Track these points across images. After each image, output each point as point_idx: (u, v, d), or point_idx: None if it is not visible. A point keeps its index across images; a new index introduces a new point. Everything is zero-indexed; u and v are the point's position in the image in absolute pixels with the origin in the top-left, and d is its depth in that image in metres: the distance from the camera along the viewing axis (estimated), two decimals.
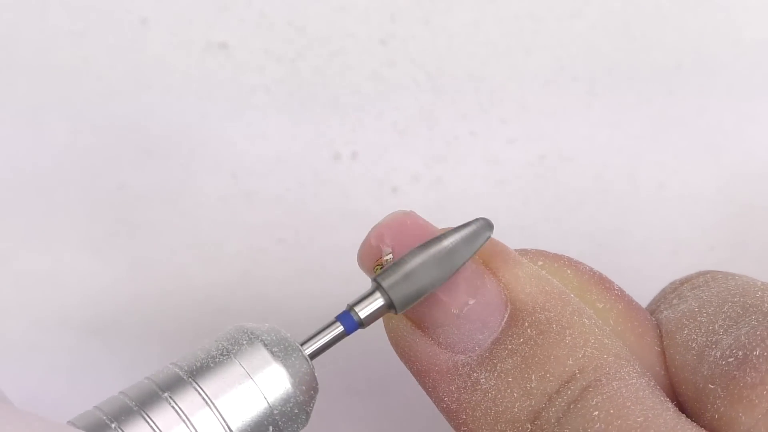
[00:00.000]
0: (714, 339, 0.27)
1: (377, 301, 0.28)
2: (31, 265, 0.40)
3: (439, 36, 0.40)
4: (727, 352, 0.26)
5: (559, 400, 0.26)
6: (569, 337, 0.27)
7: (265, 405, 0.26)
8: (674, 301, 0.30)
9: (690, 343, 0.28)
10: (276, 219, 0.41)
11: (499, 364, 0.27)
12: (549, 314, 0.27)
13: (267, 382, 0.27)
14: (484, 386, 0.27)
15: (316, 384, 0.28)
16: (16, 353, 0.41)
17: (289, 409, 0.27)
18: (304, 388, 0.27)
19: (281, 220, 0.41)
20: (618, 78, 0.41)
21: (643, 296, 0.39)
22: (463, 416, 0.27)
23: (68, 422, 0.26)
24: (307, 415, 0.27)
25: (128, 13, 0.39)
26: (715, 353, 0.27)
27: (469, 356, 0.27)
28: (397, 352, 0.29)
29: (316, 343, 0.28)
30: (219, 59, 0.39)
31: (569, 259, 0.30)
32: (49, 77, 0.39)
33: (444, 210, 0.41)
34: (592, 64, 0.41)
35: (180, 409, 0.26)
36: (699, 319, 0.28)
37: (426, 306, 0.28)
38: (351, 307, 0.28)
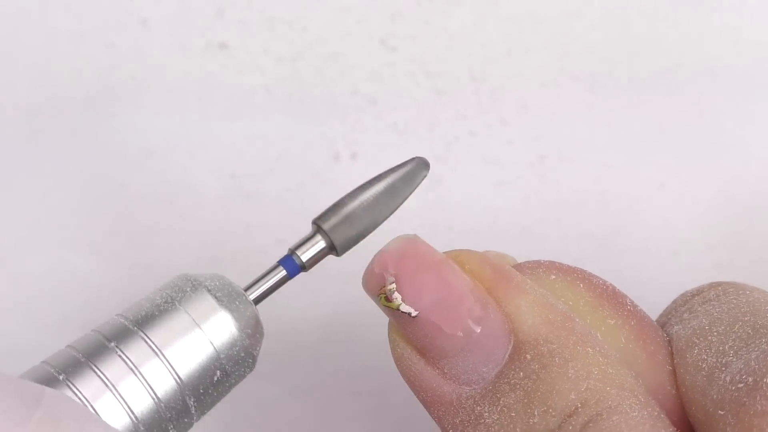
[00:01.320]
0: (724, 361, 0.27)
1: (319, 244, 0.28)
2: (30, 266, 0.40)
3: (439, 36, 0.40)
4: (737, 377, 0.26)
5: None
6: (572, 370, 0.27)
7: (212, 350, 0.27)
8: (685, 316, 0.30)
9: (700, 363, 0.27)
10: (275, 219, 0.41)
11: (502, 399, 0.27)
12: (552, 346, 0.27)
13: (213, 328, 0.27)
14: (487, 420, 0.27)
15: (262, 328, 0.28)
16: (15, 353, 0.41)
17: (235, 353, 0.27)
18: (249, 331, 0.27)
19: (281, 220, 0.41)
20: (618, 78, 0.41)
21: (643, 296, 0.39)
22: None
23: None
24: (254, 358, 0.28)
25: (128, 13, 0.39)
26: (725, 377, 0.26)
27: (474, 388, 0.27)
28: (404, 380, 0.29)
29: (260, 288, 0.28)
30: (219, 60, 0.39)
31: (582, 272, 0.30)
32: (50, 77, 0.39)
33: (444, 210, 0.41)
34: (592, 65, 0.41)
35: (128, 358, 0.26)
36: (709, 338, 0.28)
37: (430, 337, 0.28)
38: (293, 251, 0.28)
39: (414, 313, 0.27)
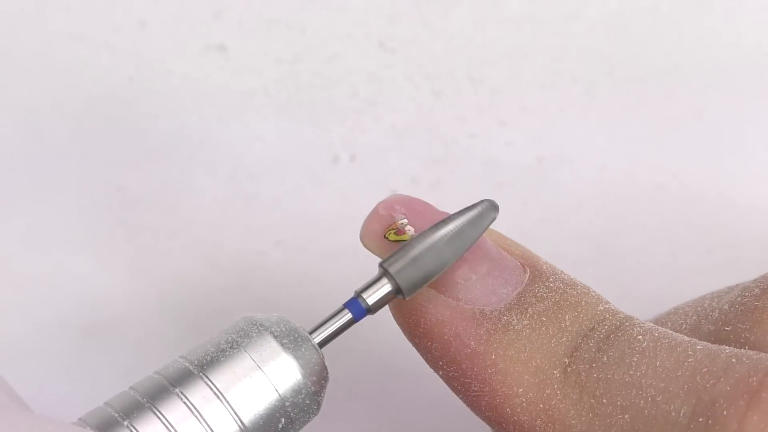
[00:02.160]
0: (707, 311, 0.28)
1: (385, 287, 0.28)
2: (30, 267, 0.40)
3: (438, 38, 0.40)
4: (737, 299, 0.27)
5: (597, 333, 0.26)
6: (593, 293, 0.28)
7: (276, 396, 0.26)
8: None
9: (678, 328, 0.29)
10: (274, 221, 0.41)
11: (530, 308, 0.27)
12: (570, 277, 0.28)
13: (277, 374, 0.26)
14: (516, 327, 0.27)
15: (327, 373, 0.28)
16: (15, 355, 0.41)
17: (300, 399, 0.27)
18: (314, 378, 0.27)
19: (280, 222, 0.41)
20: (616, 80, 0.41)
21: (643, 298, 0.39)
22: (493, 356, 0.27)
23: (79, 419, 0.26)
24: (318, 404, 0.27)
25: (127, 15, 0.39)
26: (718, 309, 0.27)
27: (494, 307, 0.27)
28: (403, 313, 0.28)
29: (325, 331, 0.28)
30: (218, 61, 0.39)
31: None
32: (49, 79, 0.39)
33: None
34: (591, 67, 0.41)
35: (191, 403, 0.26)
36: (680, 312, 0.29)
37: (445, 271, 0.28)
38: (359, 294, 0.28)
39: None
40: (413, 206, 0.28)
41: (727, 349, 0.25)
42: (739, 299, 0.27)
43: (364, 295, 0.28)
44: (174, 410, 0.25)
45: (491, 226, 0.29)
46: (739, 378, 0.23)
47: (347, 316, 0.28)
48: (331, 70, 0.40)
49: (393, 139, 0.41)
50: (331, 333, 0.28)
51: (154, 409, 0.25)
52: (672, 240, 0.42)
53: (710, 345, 0.25)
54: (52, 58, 0.39)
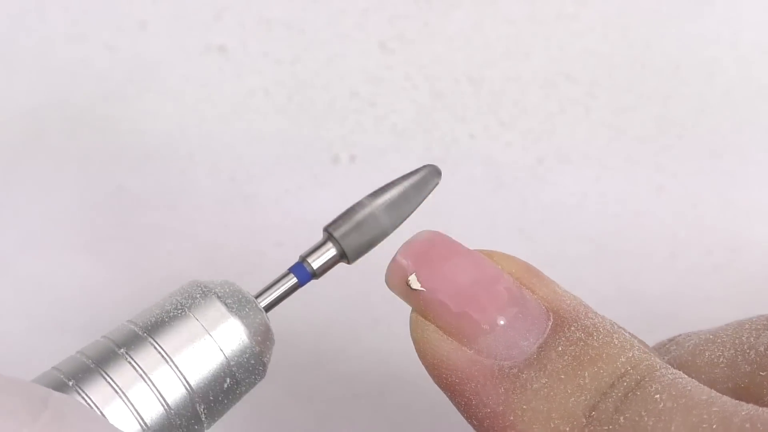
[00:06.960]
0: (746, 347, 0.28)
1: (329, 251, 0.28)
2: (29, 268, 0.40)
3: (438, 39, 0.40)
4: None
5: (615, 391, 0.26)
6: (617, 340, 0.27)
7: (222, 358, 0.27)
8: (674, 347, 0.30)
9: (715, 360, 0.28)
10: (274, 221, 0.41)
11: (549, 365, 0.27)
12: (594, 320, 0.27)
13: (223, 335, 0.27)
14: (534, 386, 0.26)
15: (272, 335, 0.28)
16: (13, 356, 0.41)
17: (245, 360, 0.27)
18: (259, 338, 0.27)
19: (279, 222, 0.41)
20: (616, 80, 0.41)
21: (642, 299, 0.39)
22: (511, 417, 0.26)
23: None
24: (264, 366, 0.28)
25: (127, 16, 0.39)
26: (752, 354, 0.27)
27: (514, 361, 0.27)
28: (427, 363, 0.28)
29: (270, 295, 0.28)
30: (218, 62, 0.39)
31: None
32: (48, 80, 0.39)
33: (443, 212, 0.41)
34: (590, 67, 0.41)
35: (138, 365, 0.26)
36: (718, 341, 0.28)
37: (468, 315, 0.27)
38: (303, 258, 0.28)
39: None
40: (433, 251, 0.28)
41: (745, 409, 0.24)
42: None
43: (309, 260, 0.28)
44: (122, 373, 0.26)
45: (516, 255, 0.28)
46: None
47: (292, 280, 0.28)
48: (330, 71, 0.40)
49: (393, 140, 0.41)
50: (277, 297, 0.28)
51: (102, 372, 0.26)
52: (672, 240, 0.42)
53: (729, 404, 0.24)
54: (52, 58, 0.39)
